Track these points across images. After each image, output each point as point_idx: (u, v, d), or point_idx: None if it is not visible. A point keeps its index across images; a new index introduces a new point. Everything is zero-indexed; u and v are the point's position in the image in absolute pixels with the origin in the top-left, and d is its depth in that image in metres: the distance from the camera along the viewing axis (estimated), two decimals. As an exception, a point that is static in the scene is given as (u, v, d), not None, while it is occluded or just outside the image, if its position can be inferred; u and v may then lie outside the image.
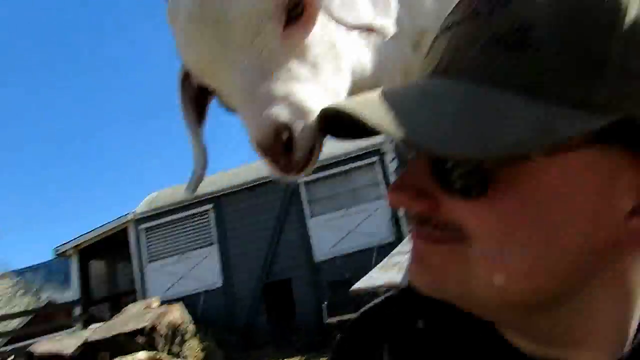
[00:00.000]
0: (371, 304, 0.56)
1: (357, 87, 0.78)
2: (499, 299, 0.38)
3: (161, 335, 5.10)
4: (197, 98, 0.85)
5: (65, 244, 10.53)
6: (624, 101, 0.32)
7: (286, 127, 0.62)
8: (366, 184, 8.85)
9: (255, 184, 9.35)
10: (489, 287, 0.37)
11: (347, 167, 8.87)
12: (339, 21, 0.75)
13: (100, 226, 10.30)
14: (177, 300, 8.91)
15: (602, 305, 0.38)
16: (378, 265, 1.76)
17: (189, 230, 9.65)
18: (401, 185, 0.39)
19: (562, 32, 0.32)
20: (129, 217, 9.91)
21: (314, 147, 0.67)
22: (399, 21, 0.90)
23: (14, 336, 13.34)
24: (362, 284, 1.66)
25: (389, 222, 8.55)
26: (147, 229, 9.78)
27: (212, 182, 9.79)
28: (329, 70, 0.72)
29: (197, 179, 0.89)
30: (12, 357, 9.54)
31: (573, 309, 0.38)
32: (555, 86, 0.32)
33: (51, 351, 5.20)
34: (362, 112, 0.34)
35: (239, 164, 10.52)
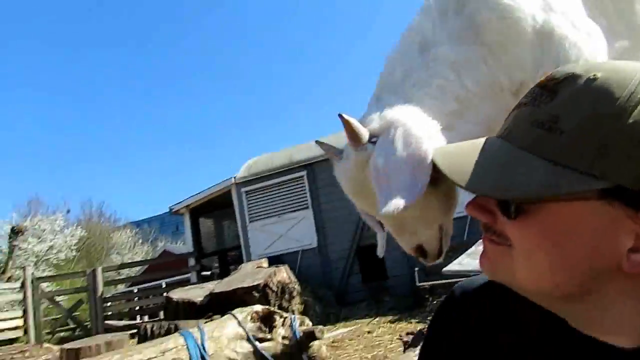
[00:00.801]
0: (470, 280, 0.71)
1: None
2: (534, 288, 0.53)
3: (273, 291, 5.80)
4: None
5: (178, 203, 11.81)
6: (617, 175, 0.45)
7: (420, 246, 1.22)
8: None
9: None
10: (525, 279, 0.53)
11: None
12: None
13: (208, 188, 11.35)
14: (277, 257, 9.83)
15: (618, 304, 0.51)
16: (467, 252, 2.00)
17: (285, 194, 10.30)
18: (473, 201, 0.57)
19: (579, 125, 0.47)
20: (232, 180, 10.80)
21: (441, 249, 1.23)
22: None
23: (138, 280, 15.42)
24: (452, 267, 1.93)
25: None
26: (248, 192, 10.61)
27: (307, 150, 10.30)
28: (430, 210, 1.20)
29: (382, 243, 1.43)
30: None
31: (595, 304, 0.51)
32: (568, 158, 0.47)
33: (184, 298, 6.14)
34: (439, 160, 0.55)
35: (330, 133, 10.93)
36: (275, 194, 10.41)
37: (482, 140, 0.56)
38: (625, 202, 0.46)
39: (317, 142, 1.30)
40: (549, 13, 1.14)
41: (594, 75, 0.49)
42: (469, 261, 1.93)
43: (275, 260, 9.42)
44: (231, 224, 12.44)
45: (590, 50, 1.14)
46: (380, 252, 1.40)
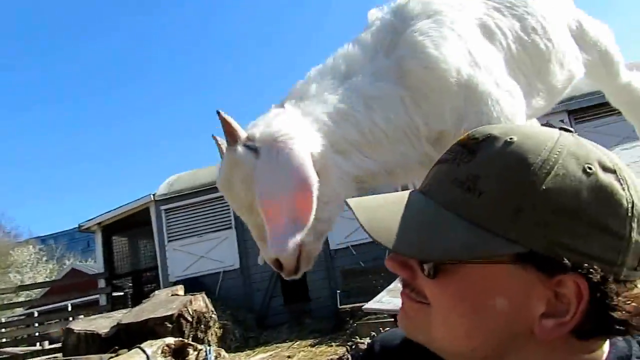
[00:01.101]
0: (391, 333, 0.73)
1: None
2: (451, 349, 0.53)
3: (188, 322, 5.50)
4: None
5: (88, 220, 10.99)
6: (530, 240, 0.46)
7: (277, 260, 1.19)
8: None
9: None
10: (442, 339, 0.53)
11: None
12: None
13: (123, 205, 10.70)
14: (196, 278, 9.43)
15: None
16: (387, 288, 2.01)
17: (208, 213, 9.98)
18: (393, 257, 0.55)
19: (496, 188, 0.48)
20: (150, 197, 10.28)
21: (300, 265, 1.23)
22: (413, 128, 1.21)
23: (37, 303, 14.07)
24: (372, 304, 1.94)
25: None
26: (167, 210, 10.15)
27: (231, 168, 10.13)
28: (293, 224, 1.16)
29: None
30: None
31: None
32: (486, 220, 0.47)
33: (87, 329, 5.64)
34: (360, 217, 0.52)
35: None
36: (198, 212, 10.06)
37: (402, 194, 0.55)
38: (538, 267, 0.47)
39: (213, 136, 1.28)
40: (474, 69, 1.18)
41: (511, 138, 0.50)
42: (388, 299, 1.92)
43: (194, 282, 9.04)
44: (148, 243, 11.81)
45: (510, 108, 1.19)
46: (260, 260, 1.40)
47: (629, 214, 0.47)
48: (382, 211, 0.54)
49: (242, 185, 1.11)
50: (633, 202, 0.47)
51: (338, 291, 8.08)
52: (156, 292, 6.88)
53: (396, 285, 2.07)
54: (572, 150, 0.49)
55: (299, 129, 1.12)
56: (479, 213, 0.48)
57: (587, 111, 8.04)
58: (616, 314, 0.46)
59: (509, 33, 1.34)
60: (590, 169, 0.47)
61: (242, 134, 1.11)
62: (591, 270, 0.45)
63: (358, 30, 1.27)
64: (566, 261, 0.45)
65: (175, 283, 8.67)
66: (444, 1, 1.23)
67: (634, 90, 1.67)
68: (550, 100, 1.54)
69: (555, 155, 0.48)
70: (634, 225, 0.47)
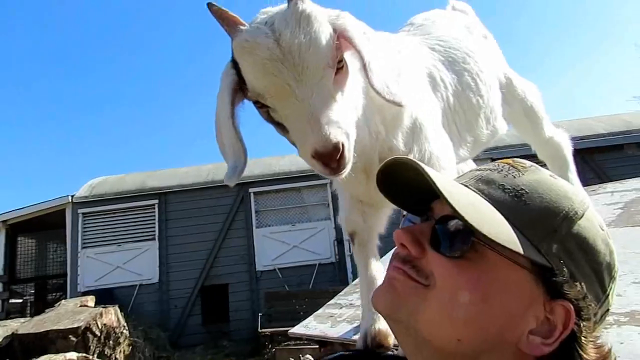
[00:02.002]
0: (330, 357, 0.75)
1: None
2: (433, 336, 0.54)
3: (96, 336, 5.10)
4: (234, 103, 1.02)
5: (-7, 216, 9.99)
6: (554, 259, 0.53)
7: (341, 144, 0.89)
8: (315, 203, 9.15)
9: (205, 186, 9.38)
10: (429, 323, 0.54)
11: (298, 184, 9.14)
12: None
13: (36, 204, 9.86)
14: (109, 290, 8.82)
15: None
16: (315, 313, 2.00)
17: (131, 222, 9.47)
18: (407, 230, 0.58)
19: (543, 206, 0.55)
20: (68, 199, 9.57)
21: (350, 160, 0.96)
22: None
23: None
24: (298, 329, 1.90)
25: (332, 243, 8.92)
26: (86, 215, 9.49)
27: (161, 178, 9.68)
28: (354, 108, 1.04)
29: (239, 170, 1.02)
30: None
31: None
32: (526, 226, 0.53)
33: (-26, 339, 5.05)
34: (436, 180, 0.55)
35: (189, 164, 10.51)
36: (119, 220, 9.50)
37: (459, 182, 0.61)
38: (547, 285, 0.53)
39: (209, 4, 0.94)
40: (421, 112, 1.26)
41: (552, 175, 0.60)
42: (315, 325, 1.89)
43: (106, 294, 8.45)
44: (59, 247, 10.92)
45: (445, 154, 1.28)
46: (232, 181, 1.04)
47: (614, 275, 0.57)
48: (461, 192, 0.58)
49: (325, 42, 0.91)
50: (616, 267, 0.58)
51: (260, 314, 7.91)
52: (62, 301, 6.33)
53: (324, 311, 2.06)
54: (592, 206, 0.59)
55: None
56: (522, 219, 0.54)
57: (509, 161, 8.66)
58: (583, 353, 0.53)
59: (449, 87, 1.45)
60: (602, 228, 0.58)
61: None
62: (586, 306, 0.53)
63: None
64: (569, 289, 0.53)
65: (86, 293, 8.03)
66: (405, 46, 1.34)
67: (556, 144, 1.83)
68: (473, 152, 1.66)
69: (586, 205, 0.57)
70: (613, 286, 0.57)
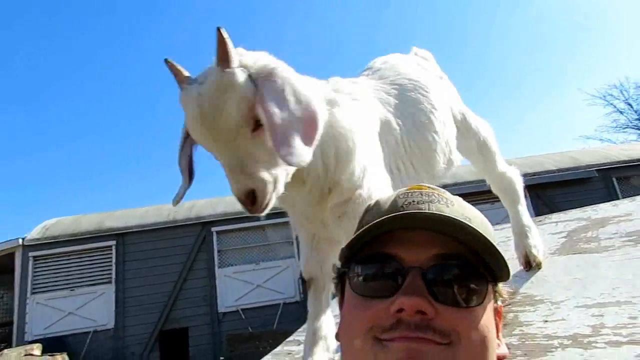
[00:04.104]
0: None
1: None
2: None
3: (41, 389, 4.73)
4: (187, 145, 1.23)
5: None
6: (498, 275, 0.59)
7: (252, 191, 1.06)
8: (279, 241, 9.07)
9: (165, 226, 9.15)
10: None
11: (262, 222, 9.04)
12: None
13: (-17, 247, 9.29)
14: (59, 338, 8.27)
15: None
16: (273, 351, 1.94)
17: (86, 265, 9.04)
18: (417, 293, 0.54)
19: (482, 228, 0.60)
20: (18, 242, 9.08)
21: (269, 201, 1.09)
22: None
23: None
24: None
25: (297, 282, 8.78)
26: (37, 258, 9.00)
27: (120, 218, 9.38)
28: (272, 157, 1.09)
29: (180, 192, 1.22)
30: None
31: None
32: (484, 253, 0.59)
33: None
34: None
35: (149, 204, 10.25)
36: (74, 262, 9.06)
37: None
38: (496, 297, 0.62)
39: (166, 59, 1.11)
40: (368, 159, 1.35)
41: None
42: None
43: (56, 342, 7.94)
44: (5, 293, 10.23)
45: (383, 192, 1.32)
46: (174, 202, 1.24)
47: None
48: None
49: (237, 108, 1.04)
50: None
51: (221, 358, 7.60)
52: (5, 351, 5.89)
53: (282, 349, 2.01)
54: None
55: (291, 70, 1.16)
56: (488, 250, 0.58)
57: (465, 198, 8.94)
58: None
59: (405, 128, 1.56)
60: None
61: (237, 57, 1.07)
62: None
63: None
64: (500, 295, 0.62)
65: (34, 342, 7.50)
66: (362, 93, 1.47)
67: (509, 179, 1.93)
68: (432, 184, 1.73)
69: None
70: None
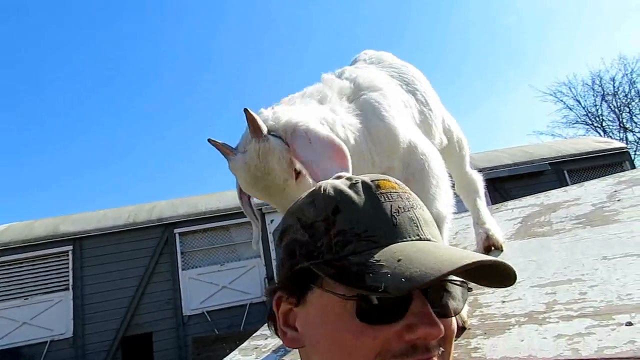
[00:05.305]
0: None
1: None
2: None
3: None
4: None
5: None
6: None
7: None
8: (244, 241, 8.96)
9: (125, 229, 8.88)
10: None
11: (226, 222, 8.94)
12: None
13: None
14: (14, 350, 7.89)
15: None
16: (240, 346, 1.94)
17: (41, 271, 8.65)
18: (436, 318, 0.53)
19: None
20: (-35, 250, 8.58)
21: None
22: None
23: None
24: None
25: (263, 281, 8.72)
26: (-14, 266, 8.55)
27: (76, 222, 9.03)
28: None
29: (257, 235, 1.48)
30: None
31: None
32: None
33: None
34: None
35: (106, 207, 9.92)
36: (27, 270, 8.63)
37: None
38: None
39: (209, 139, 1.34)
40: (412, 134, 1.51)
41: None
42: (240, 358, 1.84)
43: (9, 354, 7.58)
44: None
45: (438, 161, 1.51)
46: (254, 244, 1.50)
47: None
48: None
49: (279, 166, 1.23)
50: None
51: (187, 362, 7.46)
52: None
53: (249, 344, 2.01)
54: None
55: (304, 113, 1.33)
56: None
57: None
58: None
59: (413, 105, 1.73)
60: None
61: (265, 125, 1.25)
62: None
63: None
64: None
65: (-16, 356, 7.12)
66: (381, 81, 1.61)
67: (474, 178, 2.05)
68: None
69: None
70: None
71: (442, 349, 0.54)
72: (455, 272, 0.51)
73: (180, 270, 8.75)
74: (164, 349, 8.22)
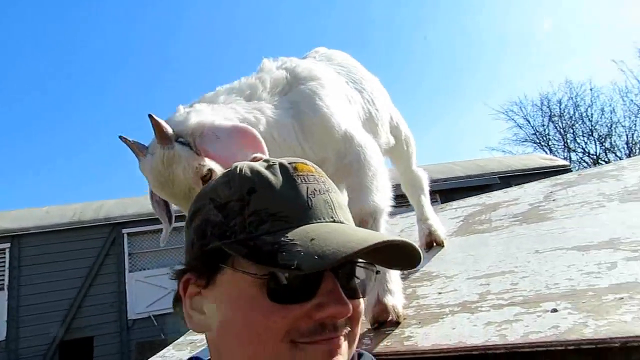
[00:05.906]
0: None
1: None
2: None
3: None
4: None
5: None
6: None
7: None
8: (195, 243, 8.73)
9: (69, 227, 8.45)
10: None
11: (177, 224, 8.64)
12: None
13: None
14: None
15: None
16: (175, 342, 1.89)
17: (-28, 271, 8.10)
18: (345, 297, 0.54)
19: None
20: None
21: None
22: None
23: None
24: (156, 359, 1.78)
25: (213, 284, 8.52)
26: None
27: (15, 218, 8.53)
28: None
29: (166, 233, 1.50)
30: None
31: None
32: None
33: None
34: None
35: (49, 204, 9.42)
36: (-43, 269, 8.04)
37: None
38: None
39: (120, 136, 1.33)
40: (348, 124, 1.51)
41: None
42: (173, 352, 1.79)
43: None
44: None
45: (375, 153, 1.51)
46: (162, 242, 1.54)
47: None
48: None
49: (184, 174, 1.24)
50: None
51: (129, 368, 7.16)
52: None
53: (184, 339, 1.98)
54: None
55: (209, 112, 1.35)
56: None
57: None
58: None
59: (358, 102, 1.74)
60: None
61: (172, 133, 1.26)
62: None
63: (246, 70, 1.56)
64: None
65: None
66: (321, 72, 1.61)
67: (419, 176, 2.08)
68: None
69: None
70: None
71: (349, 328, 0.55)
72: (367, 250, 0.51)
73: (127, 272, 8.42)
74: (105, 354, 7.85)
